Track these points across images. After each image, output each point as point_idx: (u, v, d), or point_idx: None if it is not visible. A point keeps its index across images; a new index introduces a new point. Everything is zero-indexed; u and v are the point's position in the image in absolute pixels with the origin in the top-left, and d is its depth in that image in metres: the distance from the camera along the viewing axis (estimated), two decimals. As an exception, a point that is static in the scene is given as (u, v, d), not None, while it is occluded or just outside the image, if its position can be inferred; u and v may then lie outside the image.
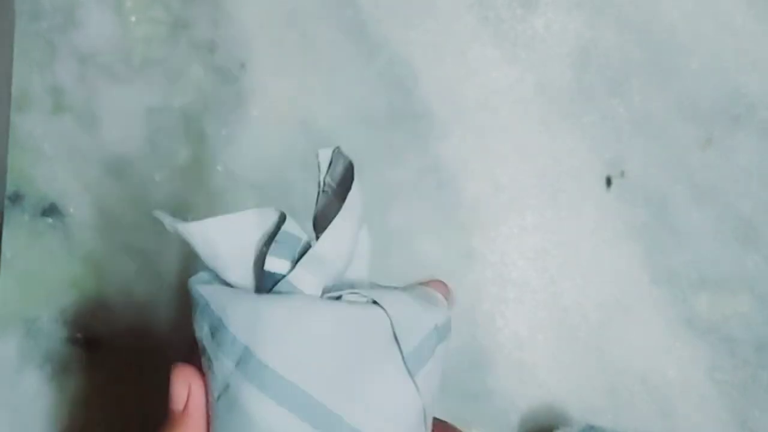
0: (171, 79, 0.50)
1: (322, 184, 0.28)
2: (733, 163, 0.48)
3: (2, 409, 0.48)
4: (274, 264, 0.27)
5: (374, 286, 0.28)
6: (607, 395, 0.47)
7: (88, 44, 0.50)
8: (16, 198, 0.49)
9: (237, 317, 0.25)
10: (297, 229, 0.27)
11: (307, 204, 0.29)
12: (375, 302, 0.26)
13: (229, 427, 0.25)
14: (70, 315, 0.48)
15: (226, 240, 0.27)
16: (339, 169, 0.28)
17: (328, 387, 0.25)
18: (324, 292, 0.27)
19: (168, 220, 0.26)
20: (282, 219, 0.27)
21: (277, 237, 0.27)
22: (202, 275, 0.28)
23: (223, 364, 0.25)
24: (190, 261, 0.48)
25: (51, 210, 0.49)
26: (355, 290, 0.27)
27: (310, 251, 0.26)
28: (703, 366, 0.46)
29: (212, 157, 0.49)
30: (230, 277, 0.27)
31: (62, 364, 0.48)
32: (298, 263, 0.26)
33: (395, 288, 0.28)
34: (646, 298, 0.47)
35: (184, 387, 0.27)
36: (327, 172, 0.28)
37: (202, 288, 0.27)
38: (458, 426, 0.47)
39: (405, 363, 0.26)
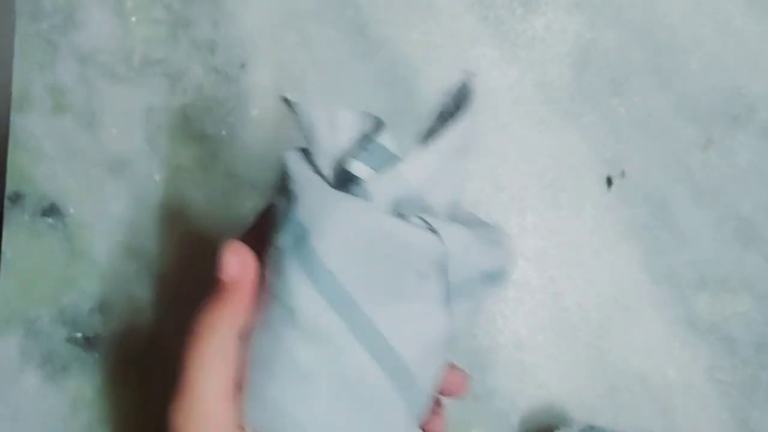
0: (171, 79, 0.50)
1: (445, 102, 0.31)
2: (733, 163, 0.48)
3: (3, 408, 0.48)
4: (358, 168, 0.28)
5: (453, 213, 0.30)
6: (607, 395, 0.47)
7: (88, 44, 0.50)
8: (16, 198, 0.49)
9: (306, 201, 0.28)
10: (391, 144, 0.30)
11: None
12: (434, 231, 0.28)
13: (274, 294, 0.28)
14: (70, 315, 0.49)
15: (325, 127, 0.29)
16: (462, 98, 0.30)
17: (365, 290, 0.27)
18: (395, 207, 0.28)
19: (288, 96, 0.29)
20: (379, 127, 0.30)
21: (370, 146, 0.29)
22: (295, 152, 0.30)
23: (284, 237, 0.28)
24: (190, 261, 0.48)
25: (51, 210, 0.49)
26: (423, 215, 0.28)
27: (395, 168, 0.28)
28: (702, 366, 0.46)
29: (212, 157, 0.49)
30: (316, 161, 0.30)
31: (62, 364, 0.48)
32: (380, 174, 0.28)
33: (464, 225, 0.29)
34: (645, 298, 0.47)
35: (237, 260, 0.29)
36: (453, 95, 0.31)
37: (292, 164, 0.29)
38: (458, 426, 0.47)
39: (447, 293, 0.28)
